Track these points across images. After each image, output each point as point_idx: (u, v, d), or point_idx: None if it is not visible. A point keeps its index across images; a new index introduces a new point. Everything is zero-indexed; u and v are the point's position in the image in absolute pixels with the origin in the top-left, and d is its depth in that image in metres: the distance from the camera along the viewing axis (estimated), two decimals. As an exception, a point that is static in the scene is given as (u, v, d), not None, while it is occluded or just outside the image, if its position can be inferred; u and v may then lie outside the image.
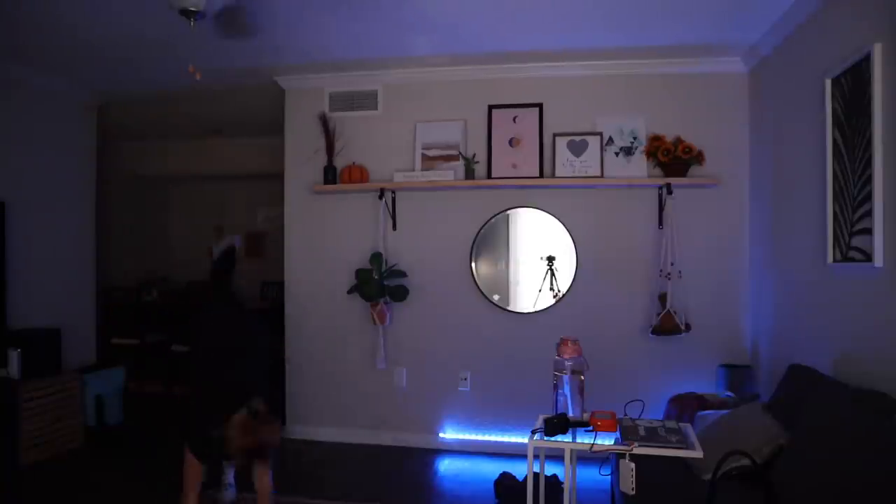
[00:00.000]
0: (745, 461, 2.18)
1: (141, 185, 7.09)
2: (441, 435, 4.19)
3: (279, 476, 3.62)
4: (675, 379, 3.77)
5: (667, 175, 3.82)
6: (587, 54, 3.86)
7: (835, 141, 2.64)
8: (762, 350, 3.66)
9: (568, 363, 2.41)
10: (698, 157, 3.80)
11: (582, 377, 2.42)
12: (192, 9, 2.32)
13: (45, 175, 4.35)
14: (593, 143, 3.93)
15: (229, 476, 3.23)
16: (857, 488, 1.81)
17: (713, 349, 3.84)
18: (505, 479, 3.31)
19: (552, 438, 2.26)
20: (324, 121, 4.26)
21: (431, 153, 4.15)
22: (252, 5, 3.09)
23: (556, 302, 4.02)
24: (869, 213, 2.35)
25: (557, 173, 3.94)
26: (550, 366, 2.49)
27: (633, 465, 2.08)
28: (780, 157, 3.37)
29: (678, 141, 3.81)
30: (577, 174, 3.92)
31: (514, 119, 4.05)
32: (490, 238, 4.17)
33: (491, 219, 4.12)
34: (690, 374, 3.81)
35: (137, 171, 6.87)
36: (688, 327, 3.76)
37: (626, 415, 2.36)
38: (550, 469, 3.06)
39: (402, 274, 4.15)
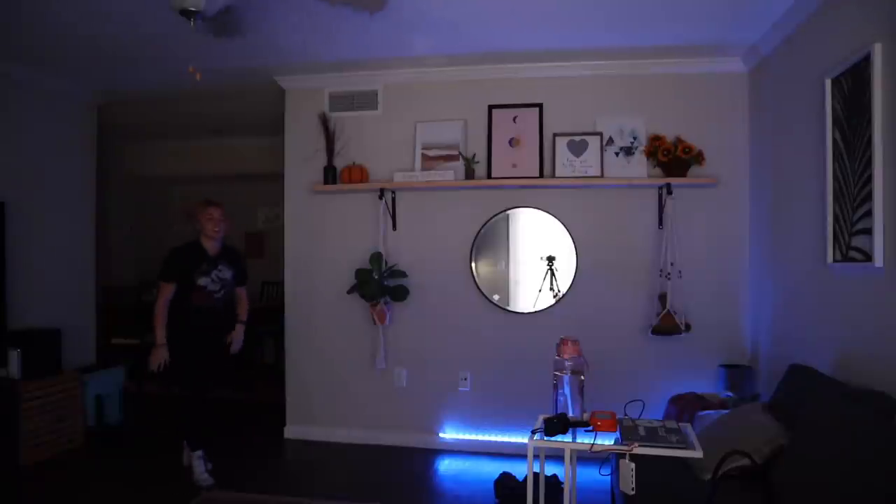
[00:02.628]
0: (745, 461, 2.18)
1: (141, 185, 7.10)
2: (441, 435, 4.19)
3: (280, 476, 3.63)
4: (675, 379, 3.77)
5: (667, 175, 3.82)
6: (587, 54, 3.86)
7: (835, 141, 2.64)
8: (762, 350, 3.66)
9: (568, 363, 2.41)
10: (698, 157, 3.80)
11: (582, 377, 2.41)
12: (192, 9, 2.32)
13: (45, 175, 4.35)
14: (593, 143, 3.93)
15: (202, 465, 3.49)
16: (857, 488, 1.81)
17: (713, 349, 3.83)
18: (505, 479, 3.31)
19: (552, 438, 2.26)
20: (324, 121, 4.26)
21: (431, 153, 4.15)
22: (253, 5, 3.09)
23: (556, 302, 4.02)
24: (869, 213, 2.35)
25: (557, 173, 3.94)
26: (550, 366, 2.49)
27: (633, 465, 2.08)
28: (780, 157, 3.37)
29: (678, 141, 3.81)
30: (577, 174, 3.92)
31: (514, 119, 4.05)
32: (490, 238, 4.17)
33: (491, 219, 4.12)
34: (690, 374, 3.80)
35: (137, 171, 6.88)
36: (688, 327, 3.76)
37: (626, 415, 2.36)
38: (550, 469, 3.06)
39: (402, 274, 4.15)
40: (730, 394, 3.44)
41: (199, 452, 3.50)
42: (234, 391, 5.32)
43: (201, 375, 3.57)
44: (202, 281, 3.51)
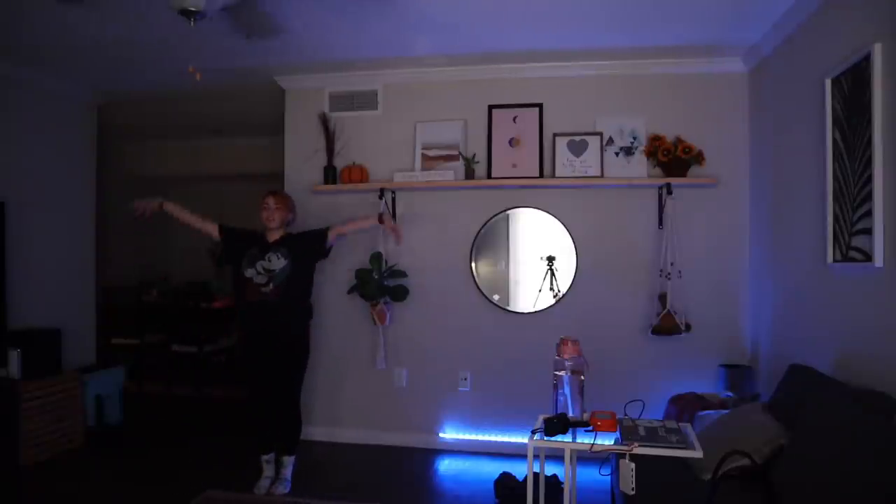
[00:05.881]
0: (745, 461, 2.18)
1: (141, 185, 7.07)
2: (441, 435, 4.19)
3: (279, 476, 3.61)
4: (675, 379, 3.77)
5: (667, 175, 3.82)
6: (587, 54, 3.86)
7: (835, 141, 2.64)
8: (762, 350, 3.66)
9: (568, 363, 2.41)
10: (698, 157, 3.80)
11: (582, 377, 2.41)
12: (192, 9, 2.32)
13: (45, 175, 4.35)
14: (593, 143, 3.93)
15: (265, 469, 3.49)
16: (857, 488, 1.81)
17: (713, 349, 3.83)
18: (505, 479, 3.31)
19: (552, 438, 2.26)
20: (324, 121, 4.26)
21: (431, 153, 4.15)
22: (253, 5, 3.09)
23: (556, 302, 4.02)
24: (869, 213, 2.35)
25: (557, 173, 3.94)
26: (550, 366, 2.49)
27: (633, 465, 2.08)
28: (780, 157, 3.37)
29: (678, 141, 3.81)
30: (577, 174, 3.92)
31: (514, 119, 4.05)
32: (490, 238, 4.17)
33: (491, 219, 4.12)
34: (690, 374, 3.80)
35: (137, 171, 6.86)
36: (688, 327, 3.76)
37: (626, 415, 2.36)
38: (550, 469, 3.06)
39: (402, 274, 4.15)
40: (730, 394, 3.44)
41: (263, 457, 3.48)
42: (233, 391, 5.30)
43: (259, 378, 3.44)
44: (248, 272, 3.39)
